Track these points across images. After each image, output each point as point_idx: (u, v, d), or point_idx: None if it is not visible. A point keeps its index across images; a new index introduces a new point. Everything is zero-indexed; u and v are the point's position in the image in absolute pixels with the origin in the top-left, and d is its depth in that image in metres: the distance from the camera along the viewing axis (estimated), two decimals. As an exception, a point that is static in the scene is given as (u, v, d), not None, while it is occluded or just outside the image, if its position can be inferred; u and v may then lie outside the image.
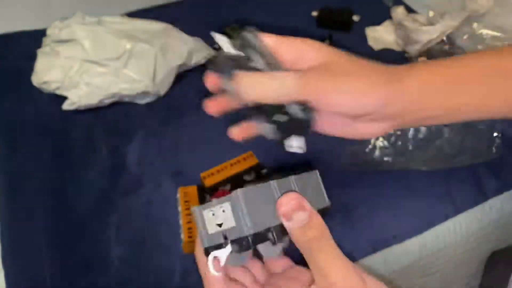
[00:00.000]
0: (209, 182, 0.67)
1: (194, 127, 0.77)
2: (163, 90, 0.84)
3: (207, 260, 0.36)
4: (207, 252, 0.37)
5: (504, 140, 0.72)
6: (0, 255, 0.63)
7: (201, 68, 0.90)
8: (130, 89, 0.79)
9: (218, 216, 0.36)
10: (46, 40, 0.86)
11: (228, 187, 0.67)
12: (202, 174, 0.68)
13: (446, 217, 0.68)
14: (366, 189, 0.70)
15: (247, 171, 0.69)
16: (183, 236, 0.61)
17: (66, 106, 0.78)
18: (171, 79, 0.85)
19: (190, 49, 0.86)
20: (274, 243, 0.36)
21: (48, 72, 0.79)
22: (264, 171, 0.70)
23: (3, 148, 0.76)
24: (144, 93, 0.82)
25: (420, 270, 0.71)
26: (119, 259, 0.62)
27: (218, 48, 0.92)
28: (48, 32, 0.86)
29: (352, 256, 0.64)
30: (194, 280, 0.60)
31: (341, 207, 0.68)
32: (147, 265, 0.62)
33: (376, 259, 0.65)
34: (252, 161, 0.70)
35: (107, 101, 0.81)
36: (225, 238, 0.36)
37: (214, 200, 0.37)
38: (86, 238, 0.65)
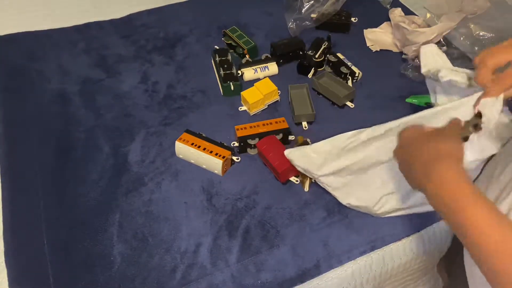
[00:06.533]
0: (240, 133, 0.76)
1: (194, 127, 0.78)
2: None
3: None
4: None
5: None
6: (3, 254, 0.64)
7: (202, 70, 0.92)
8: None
9: None
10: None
11: (256, 140, 0.75)
12: (236, 127, 0.77)
13: (443, 216, 0.69)
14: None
15: (276, 132, 0.76)
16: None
17: None
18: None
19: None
20: None
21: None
22: (292, 136, 0.78)
23: (5, 148, 0.77)
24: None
25: (418, 268, 0.72)
26: (121, 256, 0.63)
27: (218, 49, 0.93)
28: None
29: (351, 254, 0.65)
30: (196, 277, 0.61)
31: (340, 206, 0.69)
32: (148, 262, 0.63)
33: (374, 257, 0.66)
34: (283, 125, 0.78)
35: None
36: None
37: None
38: (88, 236, 0.65)
